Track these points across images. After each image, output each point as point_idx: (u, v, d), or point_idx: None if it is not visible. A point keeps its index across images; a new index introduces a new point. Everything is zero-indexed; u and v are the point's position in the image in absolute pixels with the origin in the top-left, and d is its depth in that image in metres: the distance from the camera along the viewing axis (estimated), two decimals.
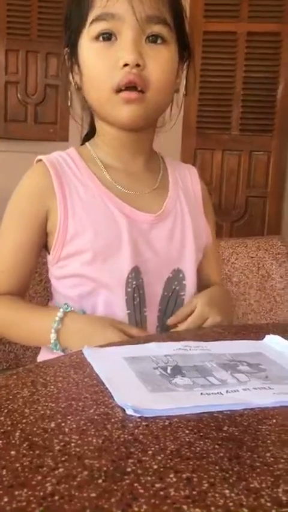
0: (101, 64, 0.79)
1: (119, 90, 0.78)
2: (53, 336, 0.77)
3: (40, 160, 0.87)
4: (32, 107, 3.35)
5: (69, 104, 0.91)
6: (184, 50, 0.87)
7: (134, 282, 0.83)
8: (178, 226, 0.88)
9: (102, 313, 0.83)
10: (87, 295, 0.84)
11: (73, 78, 0.87)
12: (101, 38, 0.78)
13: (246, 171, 3.37)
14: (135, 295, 0.83)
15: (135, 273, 0.84)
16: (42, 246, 0.87)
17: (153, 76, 0.78)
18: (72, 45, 0.84)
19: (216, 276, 1.01)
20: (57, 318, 0.77)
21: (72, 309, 0.81)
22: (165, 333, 0.85)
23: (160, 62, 0.79)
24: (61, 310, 0.78)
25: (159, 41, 0.79)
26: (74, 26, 0.83)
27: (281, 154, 3.35)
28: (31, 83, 3.33)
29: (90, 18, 0.79)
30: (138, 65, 0.77)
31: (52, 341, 0.77)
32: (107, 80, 0.78)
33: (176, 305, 0.88)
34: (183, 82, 0.89)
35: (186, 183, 0.94)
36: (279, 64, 3.27)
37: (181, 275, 0.89)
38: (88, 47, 0.80)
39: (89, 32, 0.79)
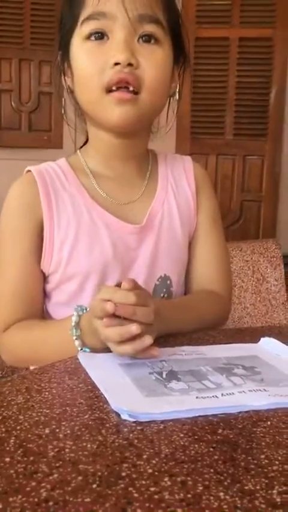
0: (91, 63, 0.77)
1: (110, 90, 0.76)
2: (77, 343, 0.71)
3: (29, 171, 0.85)
4: (26, 114, 3.37)
5: (62, 111, 0.90)
6: (179, 54, 0.86)
7: None
8: (165, 232, 0.86)
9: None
10: (64, 307, 0.83)
11: (65, 81, 0.86)
12: (92, 37, 0.77)
13: (241, 175, 3.39)
14: None
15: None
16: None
17: (147, 75, 0.76)
18: (65, 47, 0.82)
19: (210, 271, 0.90)
20: (73, 324, 0.71)
21: (87, 309, 0.73)
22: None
23: (154, 61, 0.77)
24: (74, 314, 0.72)
25: (152, 40, 0.77)
26: (66, 27, 0.81)
27: (274, 158, 3.36)
28: (25, 91, 3.35)
29: (81, 17, 0.78)
30: (130, 64, 0.75)
31: (79, 348, 0.71)
32: (98, 79, 0.76)
33: None
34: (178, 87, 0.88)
35: (180, 181, 0.91)
36: (271, 69, 3.29)
37: (168, 282, 0.87)
38: (79, 47, 0.79)
39: (81, 31, 0.78)
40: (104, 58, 0.76)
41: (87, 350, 0.70)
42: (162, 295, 0.86)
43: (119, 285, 0.81)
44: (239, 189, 3.39)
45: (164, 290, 0.87)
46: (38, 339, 0.80)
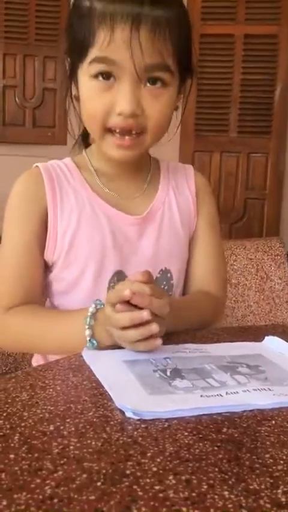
0: (97, 105, 0.78)
1: (112, 131, 0.78)
2: (88, 332, 0.70)
3: (37, 166, 0.88)
4: (30, 110, 3.36)
5: (67, 107, 0.90)
6: (186, 75, 0.85)
7: None
8: (166, 227, 0.89)
9: None
10: (65, 295, 0.86)
11: (72, 91, 0.86)
12: (100, 78, 0.77)
13: (245, 173, 3.38)
14: None
15: (119, 277, 0.84)
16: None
17: (151, 121, 0.78)
18: (73, 63, 0.82)
19: (207, 273, 0.93)
20: (89, 314, 0.71)
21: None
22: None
23: (159, 105, 0.78)
24: (93, 305, 0.72)
25: (158, 84, 0.78)
26: (75, 46, 0.80)
27: (278, 156, 3.35)
28: (29, 87, 3.34)
29: (90, 54, 0.77)
30: (135, 114, 0.76)
31: (88, 338, 0.70)
32: (101, 121, 0.78)
33: None
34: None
35: (181, 184, 0.95)
36: (276, 66, 3.28)
37: (169, 275, 0.89)
38: (87, 83, 0.79)
39: (89, 69, 0.78)
40: (110, 101, 0.77)
41: (94, 343, 0.71)
42: (162, 287, 0.89)
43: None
44: (242, 187, 3.38)
45: (165, 283, 0.89)
46: (43, 325, 0.80)
